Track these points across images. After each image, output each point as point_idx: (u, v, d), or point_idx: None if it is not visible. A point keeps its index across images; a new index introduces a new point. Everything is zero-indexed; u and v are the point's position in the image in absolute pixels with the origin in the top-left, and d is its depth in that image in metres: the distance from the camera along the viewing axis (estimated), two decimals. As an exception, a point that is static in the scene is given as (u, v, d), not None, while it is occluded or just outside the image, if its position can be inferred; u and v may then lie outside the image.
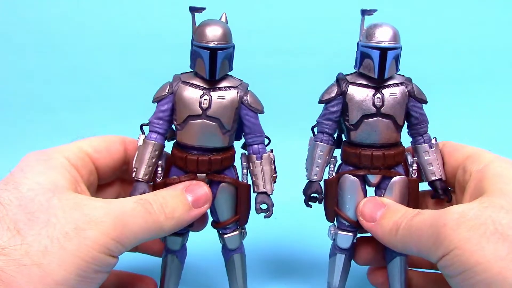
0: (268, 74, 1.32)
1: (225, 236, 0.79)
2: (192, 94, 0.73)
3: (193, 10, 0.75)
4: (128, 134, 0.80)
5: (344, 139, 0.81)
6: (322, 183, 0.80)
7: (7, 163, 1.28)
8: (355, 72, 0.78)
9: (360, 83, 0.77)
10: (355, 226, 0.79)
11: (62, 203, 0.62)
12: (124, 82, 1.41)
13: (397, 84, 0.77)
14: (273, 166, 0.77)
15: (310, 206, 0.80)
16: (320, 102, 0.78)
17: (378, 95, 0.75)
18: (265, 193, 0.76)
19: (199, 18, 0.74)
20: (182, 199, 0.70)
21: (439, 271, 0.69)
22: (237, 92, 0.73)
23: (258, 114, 0.75)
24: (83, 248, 0.60)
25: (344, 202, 0.78)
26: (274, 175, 0.76)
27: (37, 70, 1.49)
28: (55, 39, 1.49)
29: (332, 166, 0.80)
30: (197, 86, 0.73)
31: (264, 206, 0.76)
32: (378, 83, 0.76)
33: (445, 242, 0.61)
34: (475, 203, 0.64)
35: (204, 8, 0.74)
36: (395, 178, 0.77)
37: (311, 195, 0.80)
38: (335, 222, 0.81)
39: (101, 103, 1.46)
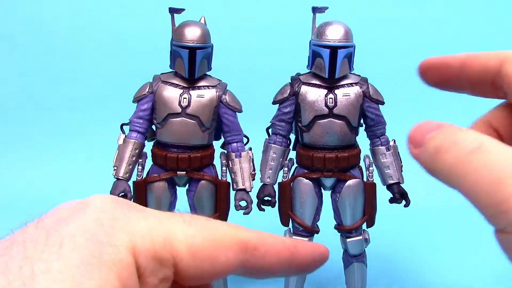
0: (248, 74, 1.34)
1: (205, 233, 0.80)
2: (171, 93, 0.74)
3: (173, 11, 0.76)
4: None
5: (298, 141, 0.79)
6: (276, 186, 0.78)
7: (6, 163, 1.30)
8: (310, 72, 0.75)
9: (313, 83, 0.74)
10: (310, 231, 0.77)
11: None
12: (124, 83, 1.43)
13: (351, 84, 0.74)
14: (251, 164, 0.78)
15: (263, 209, 0.77)
16: (274, 102, 0.76)
17: (331, 95, 0.72)
18: (244, 190, 0.77)
19: (178, 19, 0.76)
20: None
21: None
22: (216, 91, 0.75)
23: (237, 113, 0.77)
24: None
25: (298, 206, 0.76)
26: (252, 172, 0.78)
27: (37, 70, 1.50)
28: (55, 39, 1.50)
29: (286, 169, 0.77)
30: (176, 85, 0.75)
31: (243, 203, 0.78)
32: (331, 83, 0.73)
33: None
34: None
35: (183, 9, 0.76)
36: (349, 182, 0.75)
37: (264, 199, 0.77)
38: (290, 227, 0.79)
39: (101, 103, 1.47)
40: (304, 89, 0.74)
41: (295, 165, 0.78)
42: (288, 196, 0.77)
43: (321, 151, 0.74)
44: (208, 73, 0.76)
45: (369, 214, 0.77)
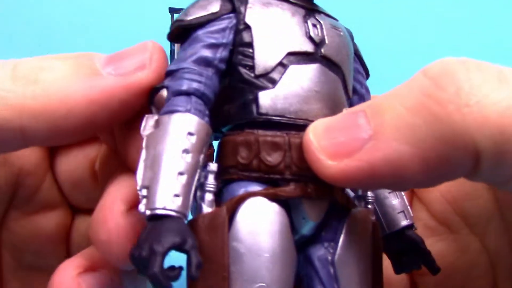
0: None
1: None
2: (171, 93, 0.74)
3: (173, 11, 0.76)
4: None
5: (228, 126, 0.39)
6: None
7: None
8: None
9: None
10: None
11: None
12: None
13: (334, 18, 0.43)
14: None
15: (166, 286, 0.30)
16: (183, 26, 0.40)
17: (313, 20, 0.39)
18: None
19: (178, 19, 0.76)
20: (81, 62, 0.36)
21: None
22: (216, 92, 0.75)
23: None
24: None
25: (251, 270, 0.32)
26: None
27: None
28: (55, 39, 1.51)
29: (211, 183, 0.35)
30: (176, 86, 0.75)
31: None
32: (308, 4, 0.41)
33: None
34: None
35: (183, 9, 0.76)
36: (355, 212, 0.38)
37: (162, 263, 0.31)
38: None
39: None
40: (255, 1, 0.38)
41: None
42: (222, 251, 0.32)
43: (296, 133, 0.36)
44: (208, 73, 0.76)
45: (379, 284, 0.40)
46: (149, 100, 0.37)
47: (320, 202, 0.35)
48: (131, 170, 0.37)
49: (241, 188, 0.35)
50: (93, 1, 1.52)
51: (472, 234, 0.45)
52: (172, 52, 0.74)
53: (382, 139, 0.30)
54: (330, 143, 0.32)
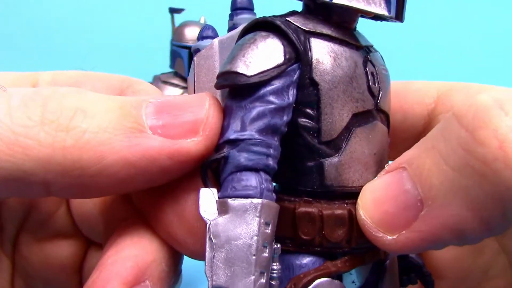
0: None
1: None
2: (171, 93, 0.75)
3: (173, 11, 0.77)
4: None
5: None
6: None
7: None
8: (301, 12, 0.35)
9: (331, 36, 0.33)
10: None
11: None
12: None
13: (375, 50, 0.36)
14: None
15: None
16: (241, 86, 0.31)
17: (370, 66, 0.34)
18: None
19: (178, 19, 0.76)
20: (125, 110, 0.29)
21: None
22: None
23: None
24: None
25: None
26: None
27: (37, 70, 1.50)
28: (55, 39, 1.51)
29: (276, 267, 0.31)
30: (176, 85, 0.75)
31: None
32: (356, 41, 0.34)
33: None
34: None
35: (183, 9, 0.76)
36: (388, 263, 0.36)
37: None
38: None
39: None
40: (319, 45, 0.32)
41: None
42: None
43: (351, 200, 0.33)
44: (208, 73, 0.76)
45: None
46: (202, 172, 0.31)
47: (367, 265, 0.34)
48: (146, 229, 0.33)
49: (297, 261, 0.32)
50: (93, 1, 1.52)
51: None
52: (174, 53, 0.75)
53: (436, 205, 0.28)
54: (383, 217, 0.31)
